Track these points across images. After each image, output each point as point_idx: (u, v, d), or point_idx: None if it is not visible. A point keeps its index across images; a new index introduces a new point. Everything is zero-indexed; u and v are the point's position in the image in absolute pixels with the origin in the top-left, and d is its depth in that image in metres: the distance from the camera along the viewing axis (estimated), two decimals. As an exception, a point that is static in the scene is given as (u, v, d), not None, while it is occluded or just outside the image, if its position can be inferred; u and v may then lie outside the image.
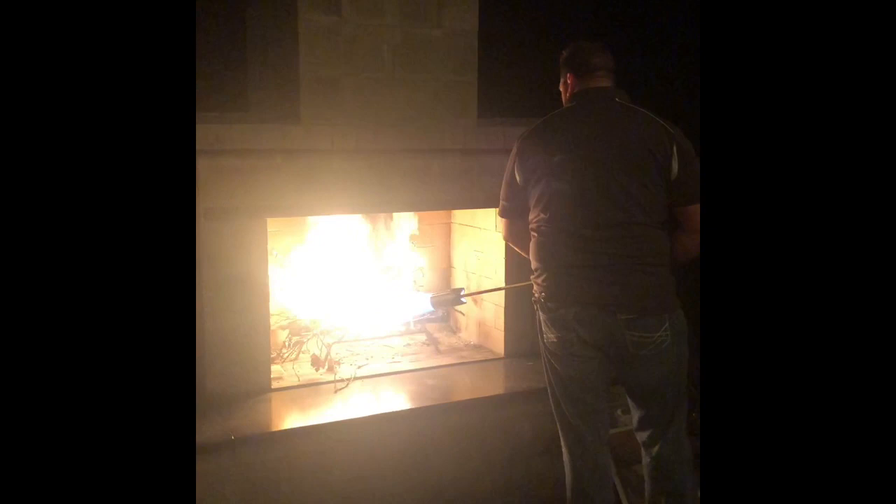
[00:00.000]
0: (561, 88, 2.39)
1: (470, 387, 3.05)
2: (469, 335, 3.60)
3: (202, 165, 2.59)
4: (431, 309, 3.21)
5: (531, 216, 2.30)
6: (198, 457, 2.03)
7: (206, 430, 2.49)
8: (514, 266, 3.17)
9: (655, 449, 2.30)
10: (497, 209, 2.51)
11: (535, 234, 2.29)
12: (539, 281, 2.28)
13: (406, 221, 3.57)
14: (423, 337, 3.54)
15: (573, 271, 2.20)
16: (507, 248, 3.16)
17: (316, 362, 3.10)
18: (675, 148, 2.16)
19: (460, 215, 3.62)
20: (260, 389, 2.85)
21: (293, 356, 3.21)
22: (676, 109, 2.39)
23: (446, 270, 3.76)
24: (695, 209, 2.18)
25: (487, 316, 3.45)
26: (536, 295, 2.29)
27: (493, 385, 3.08)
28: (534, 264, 2.32)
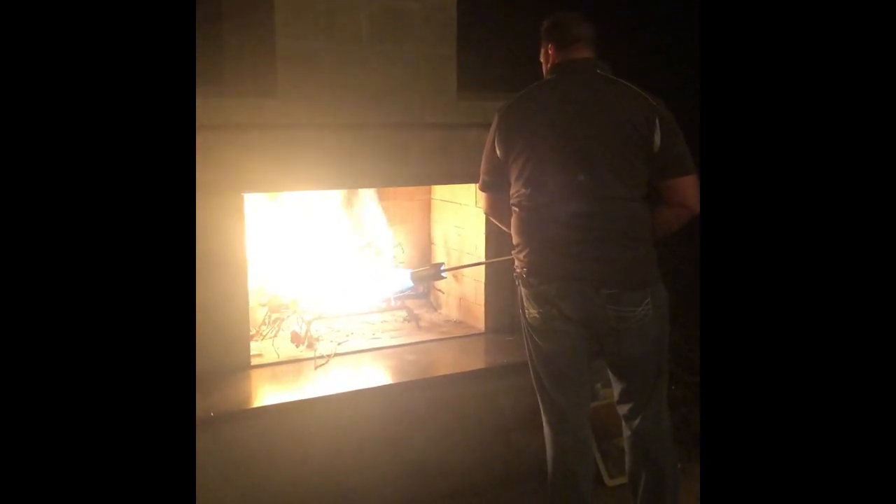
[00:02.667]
0: (542, 60, 2.36)
1: (450, 362, 3.06)
2: (449, 311, 3.60)
3: (177, 140, 2.55)
4: (411, 285, 3.20)
5: (512, 191, 2.28)
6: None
7: (185, 408, 2.47)
8: (495, 241, 3.16)
9: (636, 422, 2.32)
10: (477, 184, 2.49)
11: (517, 209, 2.28)
12: (521, 256, 2.27)
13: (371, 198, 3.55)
14: (403, 313, 3.53)
15: (555, 246, 2.19)
16: (488, 224, 3.15)
17: (296, 339, 3.08)
18: (657, 120, 2.14)
19: (440, 191, 3.60)
20: (239, 366, 2.83)
21: (273, 333, 3.19)
22: (669, 83, 2.37)
23: (426, 247, 3.74)
24: (677, 182, 2.17)
25: (468, 292, 3.45)
26: (518, 270, 2.28)
27: (473, 360, 3.09)
28: (515, 239, 2.31)
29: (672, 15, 3.67)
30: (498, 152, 2.29)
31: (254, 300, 3.11)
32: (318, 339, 3.13)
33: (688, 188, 2.15)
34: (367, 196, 3.53)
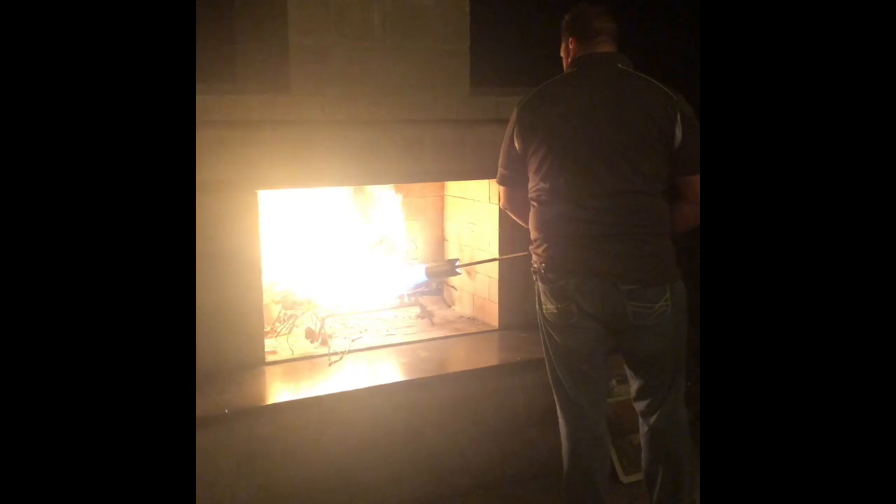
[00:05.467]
0: (562, 53, 2.34)
1: (464, 359, 3.05)
2: (463, 308, 3.59)
3: (191, 137, 2.55)
4: (426, 279, 3.19)
5: (531, 185, 2.27)
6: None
7: (201, 405, 2.47)
8: (508, 237, 3.15)
9: (653, 418, 2.30)
10: (491, 180, 2.47)
11: (535, 204, 2.26)
12: (539, 251, 2.25)
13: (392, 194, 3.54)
14: (416, 310, 3.53)
15: (574, 241, 2.18)
16: (501, 220, 3.14)
17: (310, 335, 3.09)
18: (678, 115, 2.12)
19: (453, 187, 3.59)
20: (254, 363, 2.83)
21: (287, 330, 3.19)
22: (678, 77, 2.35)
23: (440, 243, 3.74)
24: (697, 179, 2.14)
25: (481, 288, 3.43)
26: (536, 265, 2.27)
27: (487, 357, 3.08)
28: (533, 234, 2.29)
29: (679, 11, 3.64)
30: (517, 146, 2.28)
31: (268, 297, 3.12)
32: (332, 336, 3.13)
33: None
34: (385, 191, 3.52)
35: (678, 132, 2.12)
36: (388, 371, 2.92)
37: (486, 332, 3.32)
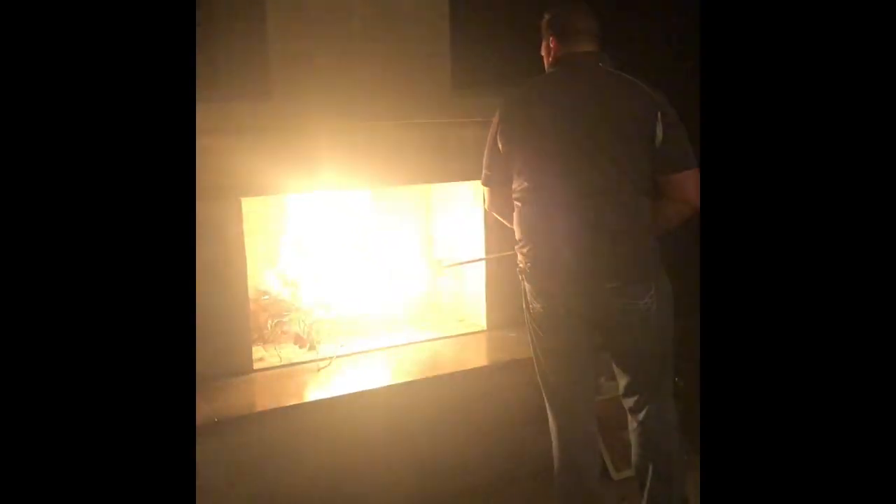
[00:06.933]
0: (543, 53, 2.34)
1: (453, 359, 3.05)
2: (451, 309, 3.59)
3: (173, 145, 2.54)
4: (414, 281, 3.19)
5: (514, 185, 2.27)
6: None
7: (190, 414, 2.46)
8: (495, 237, 3.15)
9: (642, 414, 2.31)
10: (475, 180, 2.48)
11: (519, 204, 2.27)
12: (524, 251, 2.26)
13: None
14: (404, 312, 3.52)
15: (558, 240, 2.18)
16: (487, 220, 3.14)
17: (299, 340, 3.08)
18: (658, 115, 2.12)
19: (439, 188, 3.59)
20: (242, 371, 2.82)
21: (275, 337, 3.18)
22: (661, 75, 2.36)
23: (426, 243, 3.73)
24: (679, 177, 2.16)
25: (468, 289, 3.44)
26: (521, 265, 2.28)
27: (476, 357, 3.08)
28: (518, 234, 2.29)
29: (673, 7, 3.64)
30: (500, 147, 2.28)
31: (255, 304, 3.10)
32: (320, 341, 3.12)
33: (689, 183, 2.14)
34: (370, 193, 3.51)
35: (659, 131, 2.13)
36: (378, 375, 2.92)
37: (475, 332, 3.32)
